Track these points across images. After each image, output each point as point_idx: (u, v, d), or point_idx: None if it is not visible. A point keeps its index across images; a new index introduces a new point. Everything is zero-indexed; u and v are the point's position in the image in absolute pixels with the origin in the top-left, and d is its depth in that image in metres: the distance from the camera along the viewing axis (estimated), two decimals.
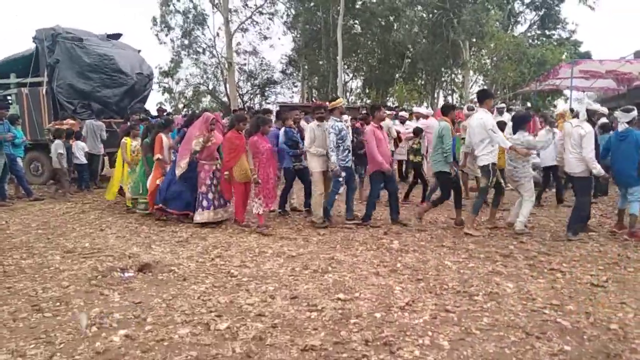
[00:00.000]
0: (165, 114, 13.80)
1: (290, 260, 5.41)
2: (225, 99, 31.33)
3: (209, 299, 4.20)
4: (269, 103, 32.29)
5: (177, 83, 31.28)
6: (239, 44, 29.54)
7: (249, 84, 32.91)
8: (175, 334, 3.50)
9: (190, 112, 24.97)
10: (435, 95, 32.03)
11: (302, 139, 7.60)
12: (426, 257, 5.52)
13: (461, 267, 5.13)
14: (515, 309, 3.95)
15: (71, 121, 10.83)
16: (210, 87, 32.68)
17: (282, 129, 7.87)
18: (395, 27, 29.00)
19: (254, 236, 6.57)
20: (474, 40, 26.13)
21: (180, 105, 30.66)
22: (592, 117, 6.45)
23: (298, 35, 32.37)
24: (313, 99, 30.41)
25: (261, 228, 6.82)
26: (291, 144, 7.69)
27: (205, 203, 7.13)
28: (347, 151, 7.09)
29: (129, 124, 9.27)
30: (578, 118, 6.42)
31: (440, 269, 5.06)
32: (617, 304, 4.05)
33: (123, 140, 8.45)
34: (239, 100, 30.25)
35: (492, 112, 7.44)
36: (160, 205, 7.36)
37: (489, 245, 6.00)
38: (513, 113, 10.31)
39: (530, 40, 31.13)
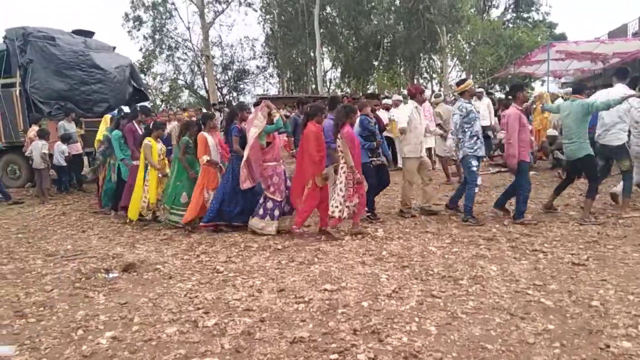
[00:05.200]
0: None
1: (276, 254, 5.41)
2: (204, 93, 31.10)
3: (195, 296, 4.18)
4: (245, 95, 32.20)
5: (153, 79, 30.96)
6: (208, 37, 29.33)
7: (225, 76, 32.68)
8: (163, 333, 3.48)
9: (167, 107, 24.69)
10: (415, 82, 32.20)
11: (380, 129, 7.01)
12: (411, 243, 5.57)
13: (445, 252, 5.18)
14: (499, 291, 4.01)
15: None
16: (188, 81, 32.40)
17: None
18: (369, 13, 28.96)
19: (239, 232, 6.50)
20: (450, 25, 26.28)
21: (158, 101, 30.33)
22: None
23: (269, 30, 32.15)
24: (291, 91, 30.37)
25: (334, 230, 6.07)
26: (367, 134, 6.70)
27: (277, 212, 6.24)
28: (475, 137, 6.38)
29: (153, 122, 7.79)
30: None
31: (425, 254, 5.11)
32: (598, 282, 4.13)
33: (146, 141, 7.01)
34: (218, 93, 30.04)
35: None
36: (222, 222, 6.43)
37: (472, 229, 6.07)
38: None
39: (505, 25, 31.41)
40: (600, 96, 6.48)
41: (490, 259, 4.90)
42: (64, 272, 5.03)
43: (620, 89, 6.39)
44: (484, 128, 9.43)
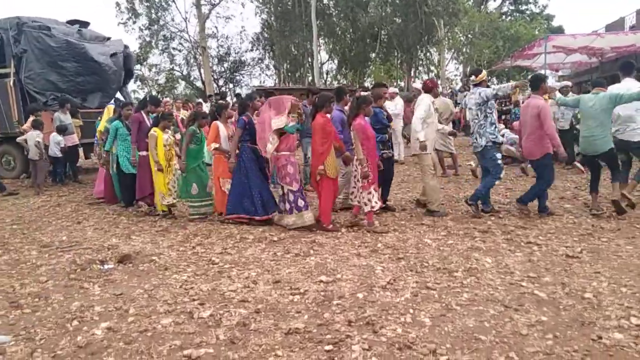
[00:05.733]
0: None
1: (272, 245, 5.42)
2: (200, 85, 30.96)
3: (191, 287, 4.19)
4: (241, 86, 32.08)
5: (149, 70, 30.79)
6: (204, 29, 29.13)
7: (221, 67, 32.54)
8: (158, 324, 3.48)
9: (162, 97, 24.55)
10: (412, 75, 32.14)
11: (389, 121, 6.90)
12: (406, 235, 5.58)
13: (440, 244, 5.21)
14: (493, 283, 4.03)
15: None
16: (184, 72, 32.23)
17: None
18: (366, 4, 28.86)
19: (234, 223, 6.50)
20: (448, 17, 26.21)
21: (154, 93, 30.18)
22: None
23: (265, 20, 31.99)
24: (288, 83, 30.28)
25: (373, 226, 5.90)
26: (380, 127, 6.54)
27: (301, 202, 6.05)
28: (494, 125, 6.30)
29: (161, 114, 7.42)
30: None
31: (420, 247, 5.13)
32: (592, 274, 4.16)
33: (152, 131, 6.90)
34: (215, 85, 29.91)
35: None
36: (248, 216, 6.31)
37: (467, 221, 6.09)
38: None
39: (503, 17, 31.36)
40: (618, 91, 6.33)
41: (485, 251, 4.92)
42: (59, 264, 5.03)
43: (631, 83, 6.32)
44: None
